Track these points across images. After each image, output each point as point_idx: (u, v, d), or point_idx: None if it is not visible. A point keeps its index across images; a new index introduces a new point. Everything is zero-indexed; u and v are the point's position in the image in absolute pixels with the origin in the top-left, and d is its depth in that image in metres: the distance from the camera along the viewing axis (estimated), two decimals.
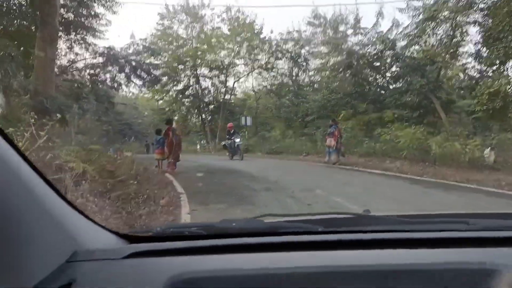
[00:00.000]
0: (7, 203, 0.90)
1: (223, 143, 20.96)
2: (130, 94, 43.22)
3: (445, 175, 10.70)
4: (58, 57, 20.78)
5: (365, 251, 1.07)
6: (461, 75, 22.39)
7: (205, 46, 34.03)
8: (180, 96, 36.78)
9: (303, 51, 31.68)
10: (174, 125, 12.93)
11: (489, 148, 14.00)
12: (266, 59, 33.36)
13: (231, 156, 18.50)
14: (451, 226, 1.22)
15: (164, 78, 34.20)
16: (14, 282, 0.88)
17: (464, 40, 17.59)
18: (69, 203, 1.15)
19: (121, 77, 25.06)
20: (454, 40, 17.83)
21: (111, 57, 23.86)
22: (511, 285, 0.83)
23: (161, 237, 1.26)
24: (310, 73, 31.98)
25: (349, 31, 23.32)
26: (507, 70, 14.49)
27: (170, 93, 36.88)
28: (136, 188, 7.58)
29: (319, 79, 29.39)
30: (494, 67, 15.12)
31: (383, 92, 22.69)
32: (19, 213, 0.94)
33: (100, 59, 24.03)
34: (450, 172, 11.28)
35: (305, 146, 22.15)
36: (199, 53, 34.05)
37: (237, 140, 18.23)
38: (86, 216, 1.22)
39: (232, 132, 19.12)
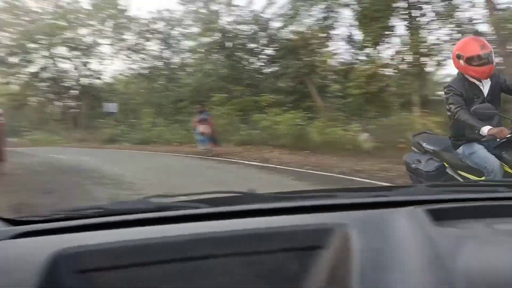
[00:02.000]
0: None
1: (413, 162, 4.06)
2: None
3: (330, 165, 9.69)
4: None
5: (236, 220, 1.11)
6: (331, 60, 22.25)
7: (63, 23, 29.77)
8: (34, 79, 31.95)
9: (175, 32, 29.52)
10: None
11: (366, 133, 13.65)
12: (135, 40, 30.41)
13: None
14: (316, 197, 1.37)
15: (12, 59, 29.71)
16: None
17: (338, 22, 17.10)
18: None
19: None
20: (328, 22, 17.28)
21: None
22: (341, 241, 0.94)
23: (48, 220, 1.24)
24: (184, 56, 29.97)
25: (223, 10, 21.71)
26: (380, 52, 14.11)
27: (21, 75, 31.81)
28: None
29: (192, 62, 27.52)
30: (369, 50, 14.72)
31: (259, 76, 21.63)
32: None
33: None
34: (334, 161, 10.35)
35: (177, 134, 20.23)
36: (55, 30, 29.65)
37: None
38: None
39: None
